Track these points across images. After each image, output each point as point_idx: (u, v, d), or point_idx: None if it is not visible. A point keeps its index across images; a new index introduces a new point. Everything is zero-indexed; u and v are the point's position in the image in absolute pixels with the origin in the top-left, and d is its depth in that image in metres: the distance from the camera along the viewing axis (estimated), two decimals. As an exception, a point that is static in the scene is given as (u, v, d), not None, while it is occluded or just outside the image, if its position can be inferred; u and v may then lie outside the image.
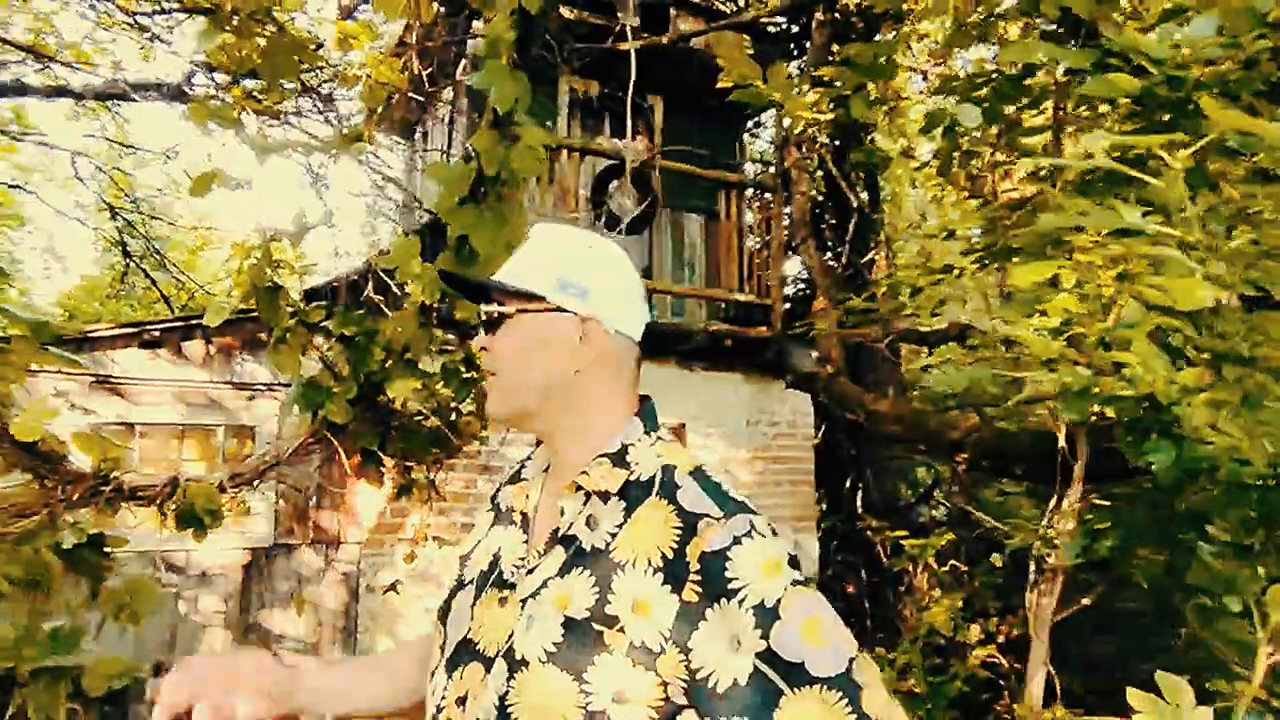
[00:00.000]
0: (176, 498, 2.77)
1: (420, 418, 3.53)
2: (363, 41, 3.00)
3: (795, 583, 0.86)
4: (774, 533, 0.90)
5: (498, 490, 1.17)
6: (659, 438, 1.02)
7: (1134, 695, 1.00)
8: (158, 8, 4.16)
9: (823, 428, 6.99)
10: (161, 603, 2.68)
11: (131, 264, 7.57)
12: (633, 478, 0.97)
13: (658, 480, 0.96)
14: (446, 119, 6.76)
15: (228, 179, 2.87)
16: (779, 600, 0.84)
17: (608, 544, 0.94)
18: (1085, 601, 2.28)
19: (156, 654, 4.95)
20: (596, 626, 0.88)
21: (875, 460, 7.12)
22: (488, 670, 0.93)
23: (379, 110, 7.27)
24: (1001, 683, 4.89)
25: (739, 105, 3.08)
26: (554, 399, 1.02)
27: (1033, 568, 2.33)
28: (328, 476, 4.87)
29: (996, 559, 5.59)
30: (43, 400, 2.37)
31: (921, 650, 4.78)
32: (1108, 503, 2.16)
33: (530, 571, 0.98)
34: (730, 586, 0.85)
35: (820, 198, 7.58)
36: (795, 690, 0.80)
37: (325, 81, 4.27)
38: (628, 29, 4.45)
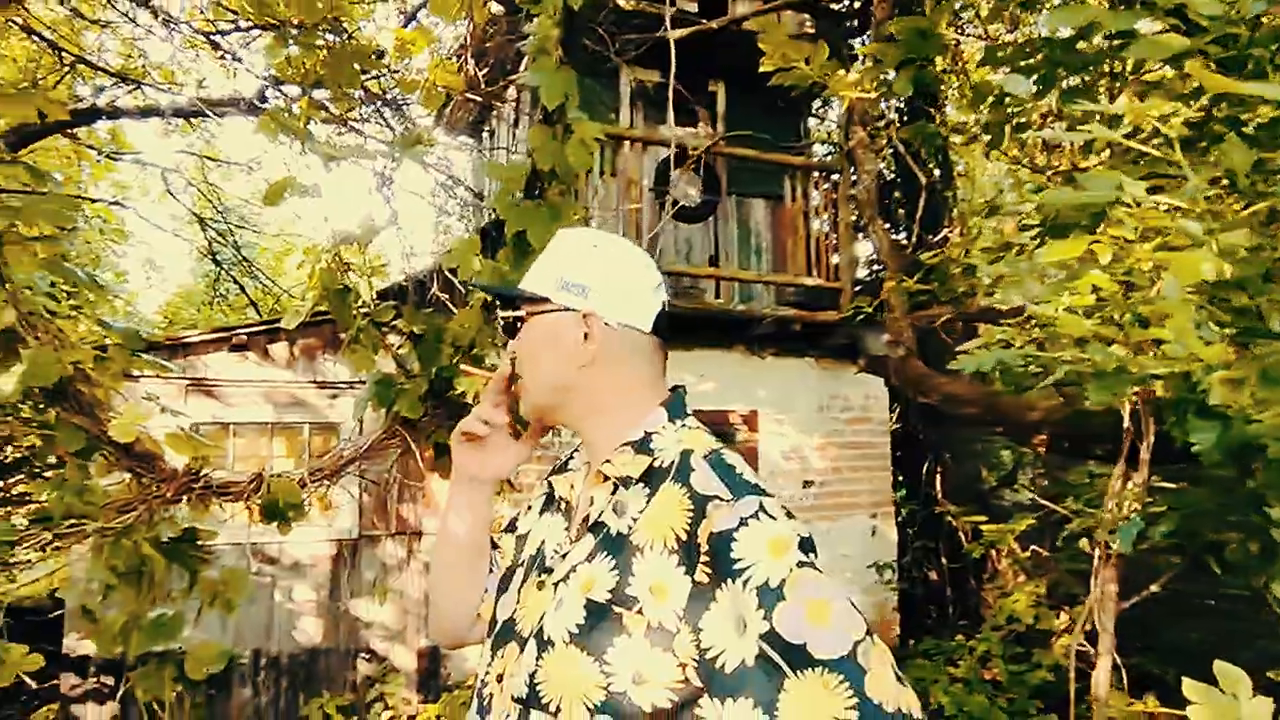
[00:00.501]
0: (261, 493, 2.91)
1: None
2: (420, 47, 3.07)
3: (803, 564, 0.86)
4: (788, 515, 0.92)
5: (550, 474, 1.20)
6: (684, 425, 1.05)
7: (1189, 686, 0.96)
8: (233, 26, 4.37)
9: (897, 412, 6.85)
10: (252, 591, 2.83)
11: (222, 272, 7.97)
12: (655, 464, 1.00)
13: (674, 464, 0.99)
14: (511, 118, 6.87)
15: (300, 187, 3.00)
16: (783, 581, 0.84)
17: (630, 528, 0.96)
18: (1154, 589, 2.17)
19: (255, 640, 5.22)
20: (616, 609, 0.91)
21: (954, 444, 6.93)
22: (522, 650, 0.98)
23: (443, 113, 7.43)
24: (1090, 672, 4.71)
25: (800, 87, 3.04)
26: (569, 395, 1.06)
27: (1097, 554, 2.25)
28: (405, 470, 5.04)
29: (1083, 543, 5.39)
30: (135, 404, 2.53)
31: (1003, 638, 4.64)
32: (1172, 485, 2.06)
33: (564, 556, 1.02)
34: (736, 567, 0.86)
35: (889, 176, 7.40)
36: (798, 673, 0.81)
37: (390, 89, 4.39)
38: (668, 18, 4.42)
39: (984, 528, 5.09)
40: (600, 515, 1.01)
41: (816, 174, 6.28)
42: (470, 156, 8.51)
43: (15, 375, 2.32)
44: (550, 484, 1.17)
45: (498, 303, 1.18)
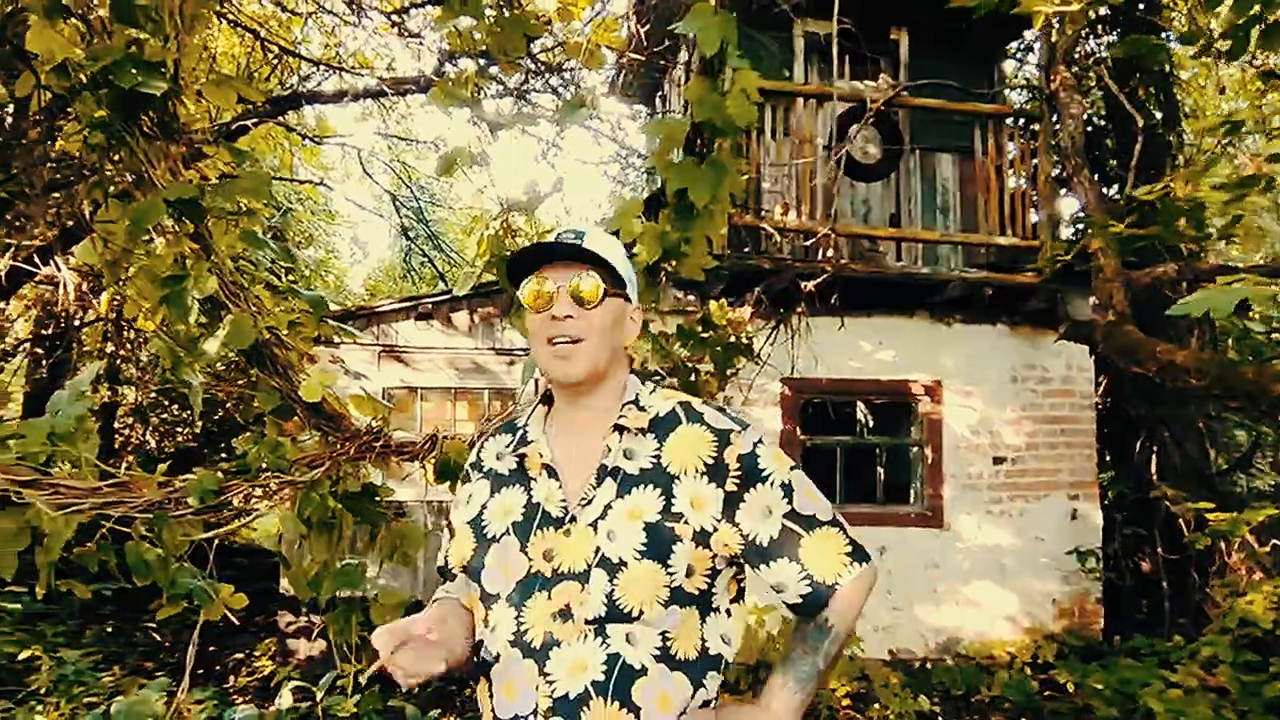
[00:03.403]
0: (436, 453, 3.03)
1: (658, 377, 3.58)
2: (581, 8, 3.02)
3: (794, 467, 1.28)
4: None
5: (478, 462, 1.40)
6: (657, 388, 1.36)
7: None
8: (410, 2, 4.56)
9: (1104, 384, 6.17)
10: (421, 545, 2.97)
11: (413, 247, 8.51)
12: (651, 416, 1.29)
13: (681, 413, 1.30)
14: (682, 80, 6.75)
15: (469, 158, 3.05)
16: (790, 479, 1.26)
17: (655, 464, 1.24)
18: None
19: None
20: (668, 524, 1.20)
21: (1174, 420, 6.17)
22: (585, 583, 1.18)
23: (616, 77, 7.44)
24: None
25: (993, 29, 2.72)
26: (612, 364, 1.32)
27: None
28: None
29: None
30: (323, 367, 2.68)
31: (1233, 643, 4.06)
32: None
33: (589, 502, 1.23)
34: (763, 474, 1.25)
35: (1100, 122, 6.62)
36: (810, 532, 1.24)
37: (559, 59, 4.41)
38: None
39: (1211, 516, 4.47)
40: (613, 462, 1.25)
41: (1011, 123, 5.72)
42: (642, 123, 8.49)
43: (217, 339, 2.52)
44: (487, 469, 1.36)
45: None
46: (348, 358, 5.44)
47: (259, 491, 2.68)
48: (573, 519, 1.23)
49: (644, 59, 4.56)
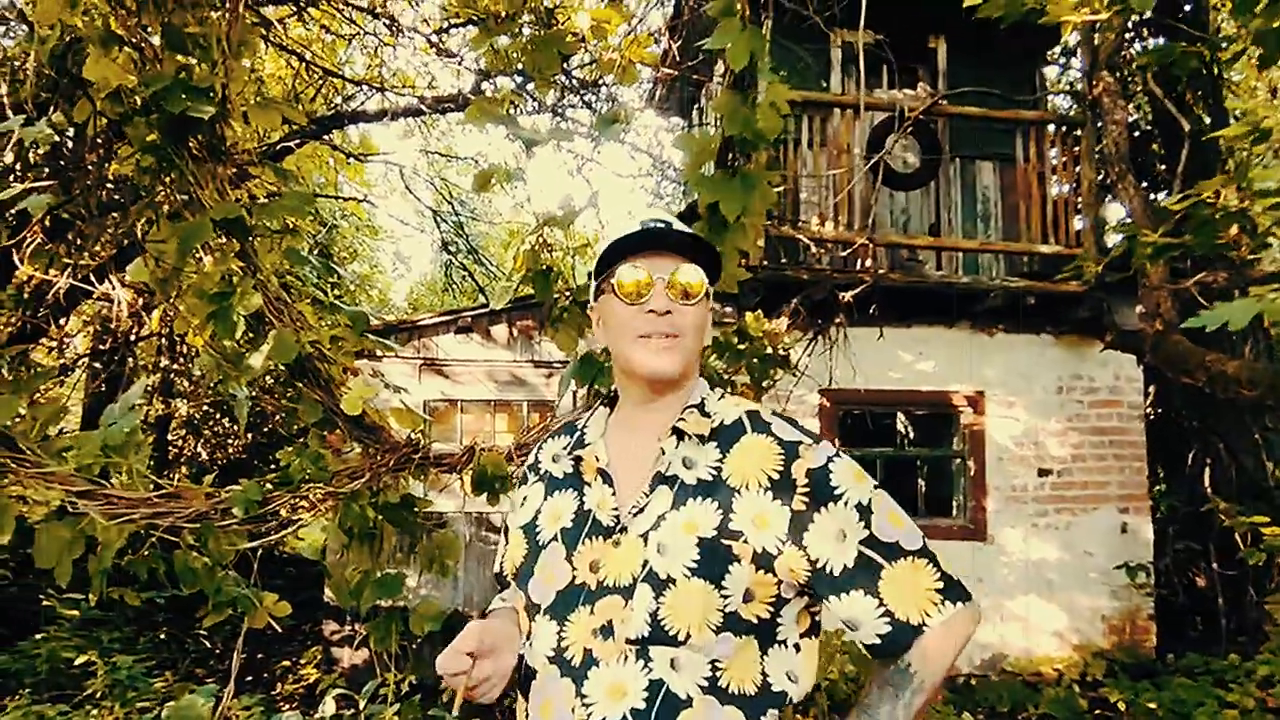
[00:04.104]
0: (473, 465, 3.07)
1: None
2: (614, 25, 3.06)
3: (877, 487, 1.13)
4: None
5: (535, 463, 1.33)
6: (725, 394, 1.26)
7: None
8: (449, 23, 4.67)
9: (1154, 394, 6.01)
10: (459, 556, 3.00)
11: (454, 261, 8.66)
12: (715, 424, 1.18)
13: (747, 422, 1.18)
14: (717, 92, 6.78)
15: (505, 174, 3.11)
16: (870, 499, 1.11)
17: (716, 476, 1.13)
18: None
19: (482, 601, 5.61)
20: (725, 541, 1.08)
21: (1229, 432, 5.98)
22: (628, 599, 1.08)
23: (653, 91, 7.49)
24: None
25: (1032, 35, 2.68)
26: (697, 363, 1.24)
27: None
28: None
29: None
30: (364, 381, 2.74)
31: (1292, 661, 3.93)
32: None
33: (641, 511, 1.14)
34: (836, 493, 1.10)
35: (1147, 127, 6.48)
36: (892, 563, 1.08)
37: (595, 75, 4.46)
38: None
39: (1268, 530, 4.33)
40: (669, 469, 1.15)
41: (1054, 129, 5.63)
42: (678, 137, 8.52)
43: (262, 353, 2.59)
44: (545, 471, 1.29)
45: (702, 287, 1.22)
46: (389, 371, 5.54)
47: (303, 502, 2.75)
48: (623, 529, 1.13)
49: (678, 74, 4.58)
